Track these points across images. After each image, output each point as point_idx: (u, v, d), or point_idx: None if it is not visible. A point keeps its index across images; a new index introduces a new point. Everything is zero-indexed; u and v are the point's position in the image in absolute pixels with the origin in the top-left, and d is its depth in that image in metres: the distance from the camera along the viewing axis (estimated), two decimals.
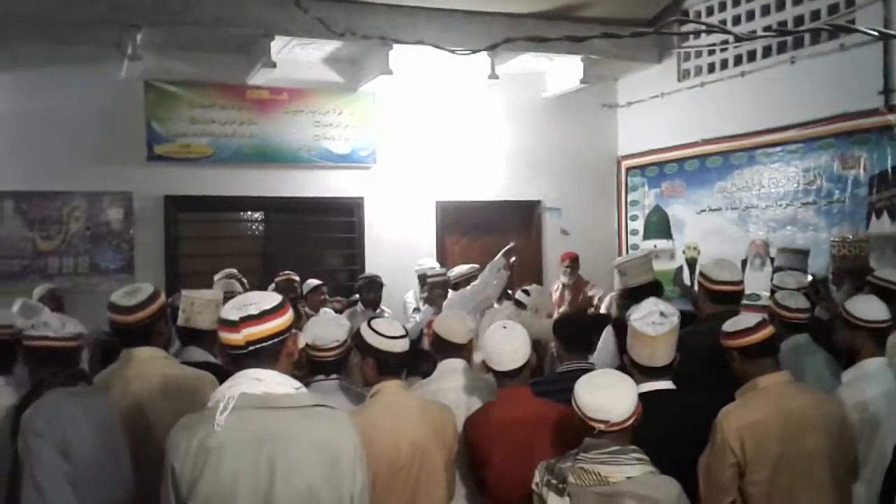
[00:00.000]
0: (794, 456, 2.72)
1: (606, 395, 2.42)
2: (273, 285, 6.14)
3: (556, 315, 6.81)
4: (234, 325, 2.06)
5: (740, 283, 3.74)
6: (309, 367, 3.36)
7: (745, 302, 6.50)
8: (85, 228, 6.72)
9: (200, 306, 3.55)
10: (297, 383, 2.14)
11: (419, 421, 2.92)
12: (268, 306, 2.10)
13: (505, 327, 3.13)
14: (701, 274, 3.77)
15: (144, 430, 2.82)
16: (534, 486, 2.40)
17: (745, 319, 2.95)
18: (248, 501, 1.98)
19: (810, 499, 2.74)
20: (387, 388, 2.95)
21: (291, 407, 2.07)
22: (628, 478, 2.25)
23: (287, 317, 2.13)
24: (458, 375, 3.31)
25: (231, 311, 2.09)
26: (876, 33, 1.95)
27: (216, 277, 5.79)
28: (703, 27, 6.43)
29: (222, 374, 3.17)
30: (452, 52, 3.43)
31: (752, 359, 2.85)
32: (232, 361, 2.11)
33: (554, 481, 2.29)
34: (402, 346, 2.98)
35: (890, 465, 2.57)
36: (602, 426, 2.37)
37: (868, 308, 3.26)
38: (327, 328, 3.35)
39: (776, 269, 5.66)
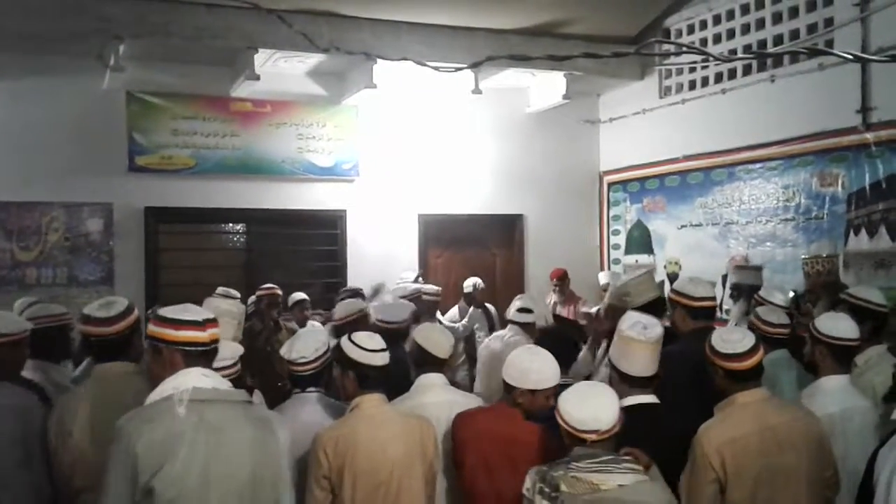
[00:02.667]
0: (773, 472, 2.73)
1: (593, 406, 2.45)
2: (255, 298, 6.11)
3: None
4: (200, 325, 2.36)
5: (715, 298, 3.86)
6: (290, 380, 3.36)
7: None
8: (64, 239, 6.66)
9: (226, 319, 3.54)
10: (228, 381, 2.46)
11: (400, 435, 2.93)
12: (211, 314, 2.44)
13: (533, 351, 3.14)
14: (679, 293, 3.76)
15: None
16: (524, 492, 2.41)
17: (739, 342, 2.87)
18: (217, 484, 2.21)
19: None
20: (367, 402, 2.95)
21: (237, 401, 2.36)
22: (620, 486, 2.28)
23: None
24: (438, 391, 3.30)
25: (186, 314, 2.37)
26: (851, 57, 1.97)
27: (218, 291, 5.70)
28: (683, 48, 6.48)
29: None
30: (436, 69, 3.44)
31: (738, 381, 2.86)
32: (186, 359, 2.33)
33: (547, 489, 2.31)
34: (382, 359, 2.98)
35: (862, 482, 2.58)
36: (593, 436, 2.40)
37: (834, 324, 3.26)
38: (295, 343, 3.33)
39: (734, 287, 5.72)
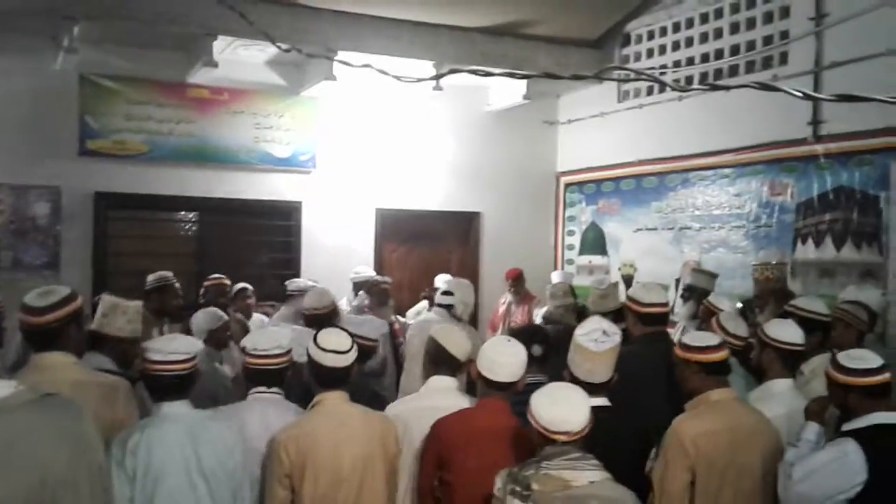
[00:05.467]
0: (738, 469, 2.85)
1: (565, 408, 2.48)
2: (202, 289, 6.03)
3: (500, 330, 6.87)
4: None
5: (667, 304, 3.90)
6: (245, 375, 3.23)
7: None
8: (9, 222, 6.47)
9: (131, 314, 3.49)
10: (14, 382, 2.04)
11: (361, 432, 2.93)
12: None
13: (509, 341, 3.13)
14: (629, 298, 3.87)
15: None
16: (496, 492, 2.44)
17: (707, 337, 3.07)
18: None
19: None
20: (328, 399, 2.96)
21: (23, 403, 1.96)
22: (591, 482, 2.33)
23: None
24: (452, 395, 3.22)
25: None
26: (800, 94, 2.06)
27: (149, 278, 5.61)
28: (642, 75, 6.59)
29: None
30: (398, 78, 3.44)
31: (711, 374, 2.97)
32: None
33: (518, 488, 2.34)
34: (336, 360, 2.95)
35: None
36: (564, 437, 2.44)
37: (783, 329, 3.38)
38: (267, 334, 3.30)
39: (687, 288, 5.82)
